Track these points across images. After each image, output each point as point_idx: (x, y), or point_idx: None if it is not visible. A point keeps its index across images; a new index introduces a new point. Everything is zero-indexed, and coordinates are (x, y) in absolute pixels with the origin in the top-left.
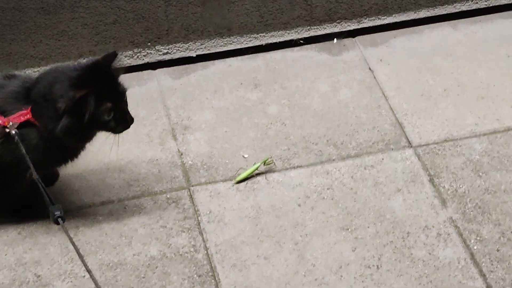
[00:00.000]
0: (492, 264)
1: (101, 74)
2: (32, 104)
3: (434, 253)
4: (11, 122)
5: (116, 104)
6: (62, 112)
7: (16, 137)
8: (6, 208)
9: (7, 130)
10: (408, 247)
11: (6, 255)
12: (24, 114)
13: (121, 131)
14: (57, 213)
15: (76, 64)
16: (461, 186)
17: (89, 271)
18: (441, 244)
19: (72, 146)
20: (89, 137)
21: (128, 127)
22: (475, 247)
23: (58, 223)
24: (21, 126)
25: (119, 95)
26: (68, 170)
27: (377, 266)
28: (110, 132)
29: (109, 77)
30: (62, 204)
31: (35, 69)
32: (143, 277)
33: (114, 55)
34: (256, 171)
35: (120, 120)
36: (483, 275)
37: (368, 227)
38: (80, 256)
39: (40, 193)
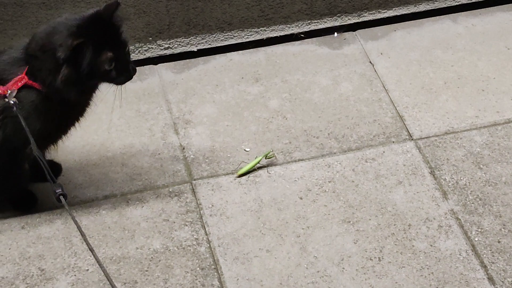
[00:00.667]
0: (493, 256)
1: (102, 24)
2: (29, 63)
3: (436, 245)
4: (9, 91)
5: (117, 53)
6: (62, 61)
7: (15, 108)
8: (9, 201)
9: (6, 100)
10: (409, 239)
11: (10, 249)
12: (20, 79)
13: (123, 82)
14: (58, 190)
15: (77, 15)
16: (462, 178)
17: (98, 261)
18: (443, 236)
19: (75, 100)
20: (91, 89)
21: (131, 77)
22: (476, 239)
23: (60, 201)
24: (19, 91)
25: (121, 45)
26: (71, 164)
27: (379, 258)
28: (112, 84)
29: (111, 27)
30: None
31: None
32: (146, 270)
33: (116, 5)
34: (258, 165)
35: (122, 70)
36: (484, 266)
37: (370, 219)
38: (84, 236)
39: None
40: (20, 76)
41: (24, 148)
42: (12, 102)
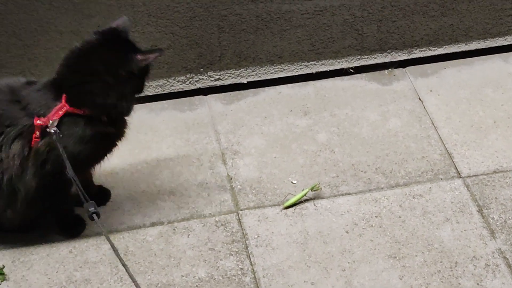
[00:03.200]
0: None
1: (124, 37)
2: (67, 90)
3: (482, 284)
4: (51, 121)
5: None
6: (131, 74)
7: (55, 136)
8: (58, 226)
9: (48, 130)
10: (456, 277)
11: (57, 272)
12: (60, 107)
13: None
14: (91, 209)
15: (84, 42)
16: (510, 217)
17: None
18: (490, 275)
19: (128, 113)
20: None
21: None
22: None
23: (93, 219)
24: (61, 120)
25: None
26: (120, 191)
27: None
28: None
29: (129, 39)
30: (113, 224)
31: None
32: None
33: (128, 20)
34: (304, 197)
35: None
36: None
37: (416, 255)
38: (116, 251)
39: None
40: (60, 104)
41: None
42: (53, 131)
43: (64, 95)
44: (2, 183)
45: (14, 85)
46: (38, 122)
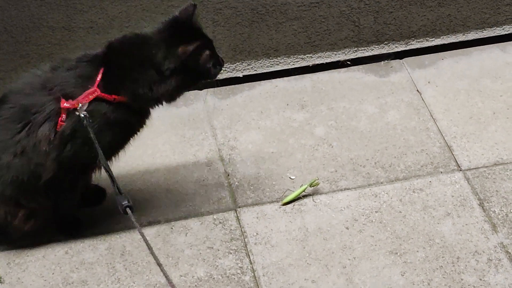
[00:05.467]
0: None
1: (186, 26)
2: (105, 76)
3: (485, 279)
4: (80, 104)
5: (211, 49)
6: (172, 70)
7: (85, 121)
8: (57, 225)
9: (77, 113)
10: (458, 272)
11: (53, 274)
12: (92, 92)
13: (217, 75)
14: (125, 202)
15: (156, 26)
16: (511, 211)
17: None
18: (492, 270)
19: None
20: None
21: (222, 67)
22: None
23: (126, 213)
24: (89, 104)
25: (209, 41)
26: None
27: None
28: (207, 80)
29: (193, 27)
30: (108, 224)
31: None
32: None
33: (194, 7)
34: (303, 193)
35: (217, 64)
36: None
37: (417, 251)
38: (151, 249)
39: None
40: (92, 89)
41: (91, 164)
42: (83, 115)
43: (98, 79)
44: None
45: (38, 73)
46: (65, 105)
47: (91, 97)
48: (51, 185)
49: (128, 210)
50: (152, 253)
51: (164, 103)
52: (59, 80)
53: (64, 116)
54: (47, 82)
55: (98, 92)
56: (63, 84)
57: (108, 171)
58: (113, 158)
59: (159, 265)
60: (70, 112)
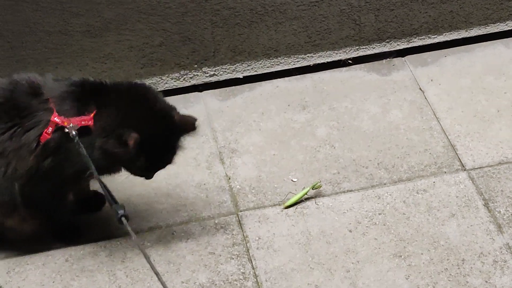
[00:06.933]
0: None
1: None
2: (98, 111)
3: (491, 281)
4: (72, 124)
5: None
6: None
7: (77, 138)
8: (52, 232)
9: (66, 130)
10: (463, 274)
11: (53, 282)
12: (87, 120)
13: None
14: (121, 211)
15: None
16: None
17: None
18: (498, 272)
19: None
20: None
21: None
22: None
23: (122, 223)
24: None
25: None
26: (115, 194)
27: None
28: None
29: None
30: (109, 230)
31: None
32: None
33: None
34: (306, 196)
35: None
36: None
37: (422, 253)
38: (147, 258)
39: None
40: (88, 117)
41: (76, 177)
42: (74, 133)
43: (93, 112)
44: (4, 176)
45: (37, 79)
46: (55, 119)
47: (83, 123)
48: (29, 192)
49: (123, 219)
50: (149, 262)
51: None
52: (57, 94)
53: (51, 129)
54: (43, 91)
55: (91, 124)
56: (60, 101)
57: (102, 182)
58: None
59: (156, 274)
60: (58, 127)
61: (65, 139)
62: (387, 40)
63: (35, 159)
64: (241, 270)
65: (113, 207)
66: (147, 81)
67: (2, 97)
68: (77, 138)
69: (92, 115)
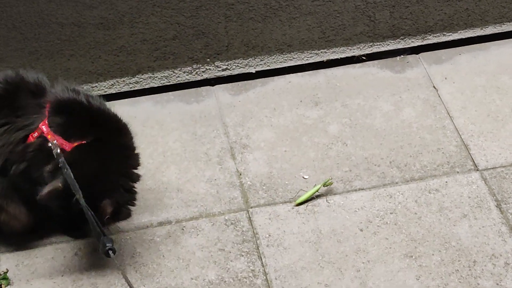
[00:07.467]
0: None
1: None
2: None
3: (502, 284)
4: (55, 141)
5: None
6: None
7: (62, 159)
8: (61, 228)
9: (50, 145)
10: (474, 276)
11: (62, 276)
12: (70, 145)
13: None
14: (109, 245)
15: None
16: None
17: None
18: (509, 274)
19: None
20: None
21: None
22: None
23: (108, 256)
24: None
25: None
26: None
27: None
28: None
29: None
30: (120, 224)
31: (93, 85)
32: None
33: None
34: (317, 193)
35: None
36: None
37: (433, 254)
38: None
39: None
40: (73, 145)
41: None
42: (58, 151)
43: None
44: None
45: (44, 82)
46: (43, 127)
47: (66, 148)
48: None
49: (110, 253)
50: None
51: None
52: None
53: (37, 134)
54: (46, 96)
55: (67, 149)
56: (56, 111)
57: (89, 209)
58: None
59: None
60: (43, 136)
61: (45, 151)
62: (402, 37)
63: (15, 157)
64: (251, 267)
65: (102, 239)
66: (160, 75)
67: (4, 90)
68: (62, 159)
69: (75, 145)
